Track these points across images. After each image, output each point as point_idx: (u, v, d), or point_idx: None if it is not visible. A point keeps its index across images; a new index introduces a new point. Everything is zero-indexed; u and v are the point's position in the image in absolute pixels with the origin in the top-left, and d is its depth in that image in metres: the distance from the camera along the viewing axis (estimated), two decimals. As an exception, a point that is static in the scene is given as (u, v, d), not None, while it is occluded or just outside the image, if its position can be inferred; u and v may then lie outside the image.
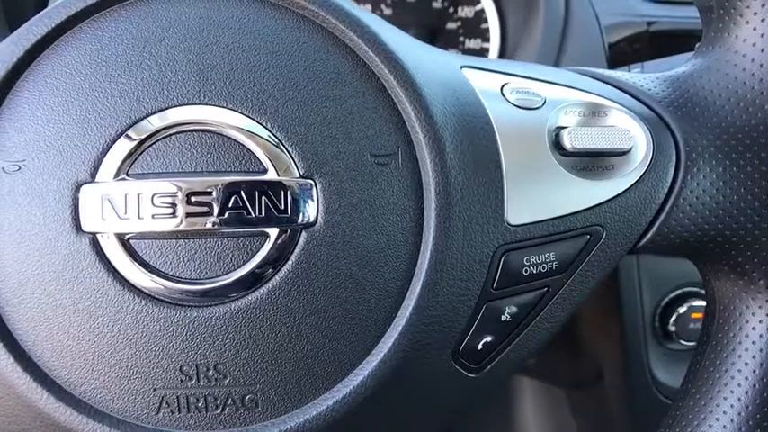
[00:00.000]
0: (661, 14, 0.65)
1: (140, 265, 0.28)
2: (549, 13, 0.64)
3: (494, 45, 0.71)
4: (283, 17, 0.29)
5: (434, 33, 0.71)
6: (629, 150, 0.32)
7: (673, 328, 0.61)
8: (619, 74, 0.36)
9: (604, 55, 0.64)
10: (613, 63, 0.64)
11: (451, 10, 0.71)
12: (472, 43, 0.72)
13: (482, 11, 0.71)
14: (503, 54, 0.72)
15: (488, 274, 0.30)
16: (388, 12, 0.71)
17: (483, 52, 0.72)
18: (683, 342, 0.61)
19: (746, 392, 0.33)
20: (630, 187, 0.32)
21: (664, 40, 0.64)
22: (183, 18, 0.29)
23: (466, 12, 0.72)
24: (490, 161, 0.30)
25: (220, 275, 0.28)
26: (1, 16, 0.60)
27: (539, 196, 0.31)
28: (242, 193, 0.27)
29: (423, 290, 0.28)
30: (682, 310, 0.60)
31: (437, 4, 0.71)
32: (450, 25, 0.72)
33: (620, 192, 0.32)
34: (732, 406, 0.33)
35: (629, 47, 0.64)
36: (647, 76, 0.36)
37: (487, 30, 0.71)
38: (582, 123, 0.33)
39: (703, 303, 0.60)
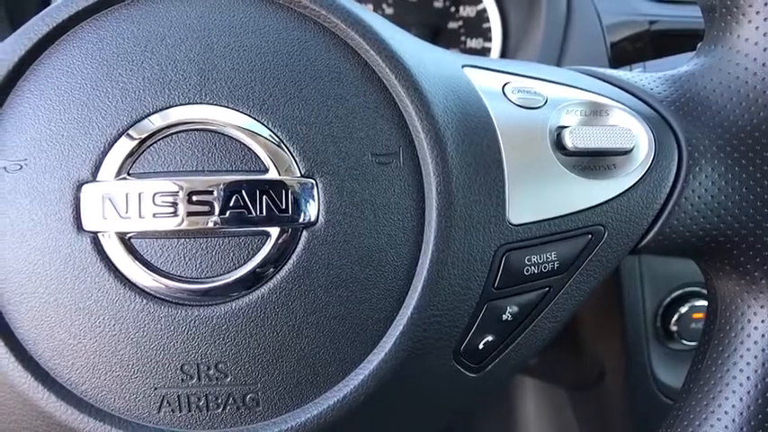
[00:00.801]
0: (663, 14, 0.65)
1: (141, 264, 0.28)
2: (550, 13, 0.64)
3: (495, 44, 0.71)
4: (285, 16, 0.29)
5: (436, 33, 0.71)
6: (631, 150, 0.32)
7: (674, 328, 0.61)
8: (620, 73, 0.36)
9: (606, 54, 0.64)
10: (615, 62, 0.64)
11: (453, 9, 0.71)
12: (474, 43, 0.72)
13: (484, 10, 0.71)
14: (504, 53, 0.72)
15: (490, 274, 0.30)
16: (389, 11, 0.71)
17: (485, 52, 0.72)
18: (684, 342, 0.61)
19: (748, 392, 0.33)
20: (632, 187, 0.32)
21: (665, 39, 0.64)
22: (184, 17, 0.29)
23: (467, 11, 0.72)
24: (492, 161, 0.30)
25: (221, 275, 0.28)
26: (3, 15, 0.60)
27: (540, 196, 0.31)
28: (243, 192, 0.27)
29: (424, 289, 0.28)
30: (683, 309, 0.60)
31: (439, 4, 0.71)
32: (452, 24, 0.72)
33: (621, 191, 0.32)
34: (734, 406, 0.33)
35: (631, 46, 0.64)
36: (648, 76, 0.36)
37: (489, 29, 0.71)
38: (583, 122, 0.33)
39: (705, 303, 0.60)
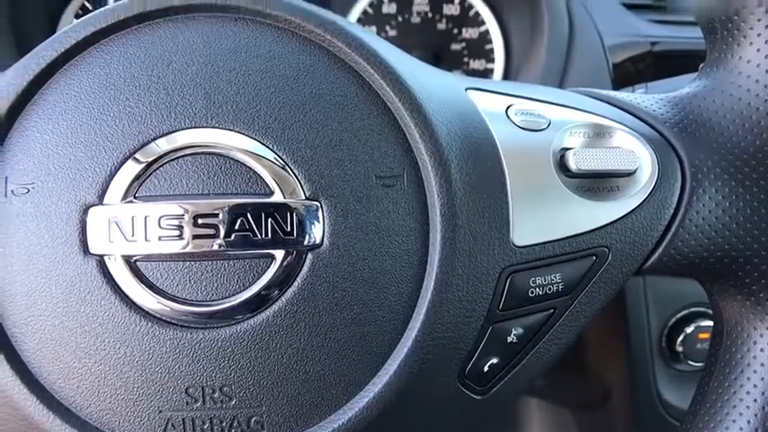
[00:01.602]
0: (664, 35, 0.65)
1: (147, 287, 0.28)
2: (553, 34, 0.65)
3: (498, 66, 0.72)
4: (290, 41, 0.30)
5: (439, 54, 0.72)
6: (635, 171, 0.32)
7: (680, 349, 0.60)
8: (623, 95, 0.36)
9: (608, 75, 0.64)
10: (618, 83, 0.64)
11: (456, 31, 0.72)
12: (476, 64, 0.72)
13: (486, 32, 0.72)
14: (507, 74, 0.72)
15: (494, 296, 0.30)
16: (392, 33, 0.71)
17: (487, 73, 0.72)
18: (690, 363, 0.61)
19: (755, 415, 0.32)
20: (636, 208, 0.32)
21: (667, 60, 0.65)
22: (189, 42, 0.29)
23: (470, 33, 0.72)
24: (495, 183, 0.30)
25: (227, 297, 0.28)
26: (9, 41, 0.61)
27: (544, 217, 0.31)
28: (248, 215, 0.28)
29: (428, 311, 0.28)
30: (689, 330, 0.60)
31: (441, 26, 0.72)
32: (455, 46, 0.72)
33: (625, 213, 0.32)
34: (741, 429, 0.32)
35: (633, 67, 0.65)
36: (651, 97, 0.36)
37: (492, 50, 0.72)
38: (587, 144, 0.33)
39: (711, 323, 0.60)
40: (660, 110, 0.35)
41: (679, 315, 0.60)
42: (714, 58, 0.34)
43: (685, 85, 0.36)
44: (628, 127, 0.34)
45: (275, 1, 0.30)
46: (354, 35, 0.29)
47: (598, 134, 0.33)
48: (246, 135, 0.28)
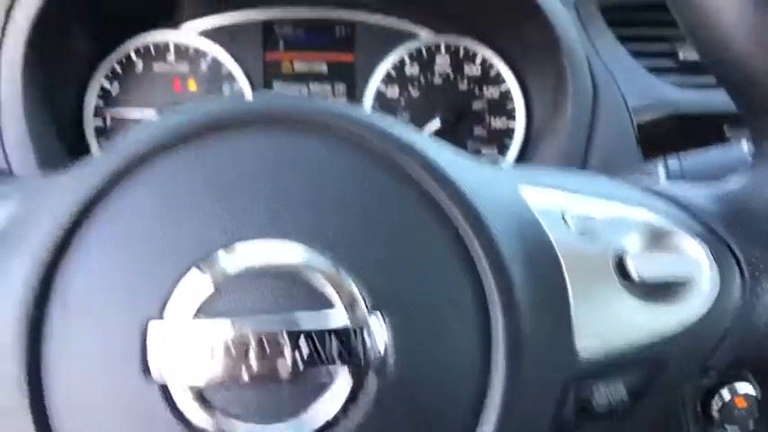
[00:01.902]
0: (688, 98, 0.65)
1: (208, 410, 0.27)
2: (577, 94, 0.65)
3: (519, 124, 0.72)
4: (345, 149, 0.30)
5: (461, 114, 0.72)
6: (694, 276, 0.32)
7: (716, 415, 0.59)
8: (677, 190, 0.36)
9: (634, 138, 0.64)
10: (642, 145, 0.64)
11: (477, 91, 0.72)
12: (498, 122, 0.73)
13: (508, 91, 0.72)
14: (529, 133, 0.72)
15: (558, 406, 0.30)
16: (415, 94, 0.72)
17: (509, 132, 0.72)
18: (726, 427, 0.60)
19: None
20: (698, 316, 0.32)
21: (691, 122, 0.65)
22: (249, 155, 0.29)
23: (491, 92, 0.73)
24: (557, 292, 0.30)
25: (291, 420, 0.27)
26: (50, 121, 0.61)
27: (607, 324, 0.31)
28: (312, 335, 0.27)
29: (495, 427, 0.28)
30: (726, 396, 0.59)
31: (463, 86, 0.72)
32: (477, 105, 0.72)
33: (688, 321, 0.32)
34: None
35: (657, 129, 0.65)
36: (703, 193, 0.36)
37: (513, 109, 0.72)
38: (645, 247, 0.33)
39: (746, 389, 0.59)
40: (713, 207, 0.35)
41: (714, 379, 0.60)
42: (763, 150, 0.35)
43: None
44: (684, 226, 0.33)
45: (331, 112, 0.30)
46: (408, 143, 0.29)
47: (656, 236, 0.33)
48: (308, 247, 0.28)
